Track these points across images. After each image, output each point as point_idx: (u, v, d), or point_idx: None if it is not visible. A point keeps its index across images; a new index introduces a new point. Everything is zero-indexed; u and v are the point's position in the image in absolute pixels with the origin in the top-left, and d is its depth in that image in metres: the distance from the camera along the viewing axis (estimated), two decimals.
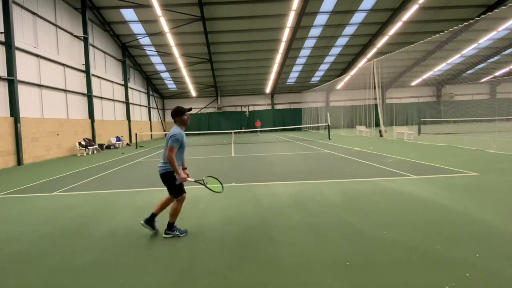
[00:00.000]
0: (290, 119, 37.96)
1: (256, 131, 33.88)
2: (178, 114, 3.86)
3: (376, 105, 21.13)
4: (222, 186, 4.09)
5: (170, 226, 3.86)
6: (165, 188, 3.85)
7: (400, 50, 18.57)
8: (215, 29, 23.73)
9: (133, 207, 5.41)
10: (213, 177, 4.11)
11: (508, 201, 4.84)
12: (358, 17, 23.69)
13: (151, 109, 33.37)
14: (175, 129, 3.75)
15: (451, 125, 27.81)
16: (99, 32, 21.77)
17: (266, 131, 34.71)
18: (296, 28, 23.08)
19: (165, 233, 3.86)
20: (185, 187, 3.91)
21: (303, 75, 34.92)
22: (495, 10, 12.32)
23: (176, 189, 3.79)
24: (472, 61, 33.23)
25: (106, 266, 3.18)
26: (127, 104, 25.92)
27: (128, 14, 21.39)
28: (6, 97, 12.67)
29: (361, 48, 28.84)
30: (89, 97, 19.15)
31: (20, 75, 13.39)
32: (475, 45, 28.89)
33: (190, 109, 3.96)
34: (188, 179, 3.79)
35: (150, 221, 3.93)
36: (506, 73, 35.51)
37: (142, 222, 3.96)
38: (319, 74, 35.05)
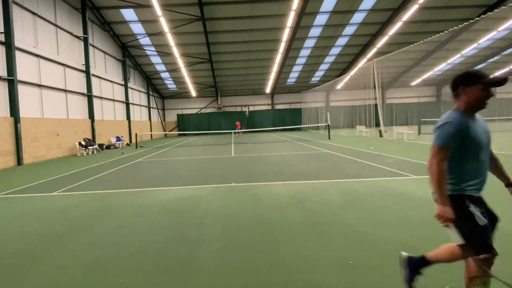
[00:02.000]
0: (290, 119, 37.98)
1: (236, 132, 33.45)
2: (465, 82, 1.95)
3: (376, 105, 21.13)
4: None
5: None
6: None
7: (400, 50, 18.59)
8: (215, 29, 23.72)
9: (133, 207, 5.41)
10: None
11: (508, 201, 4.83)
12: (358, 17, 23.69)
13: (151, 109, 33.37)
14: (450, 114, 1.96)
15: None
16: (99, 32, 21.76)
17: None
18: (296, 28, 23.07)
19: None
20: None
21: (303, 75, 34.91)
22: (495, 10, 12.34)
23: (466, 231, 1.90)
24: (472, 61, 33.24)
25: (106, 266, 3.18)
26: (127, 104, 25.91)
27: (128, 14, 21.39)
28: (6, 97, 12.66)
29: (361, 48, 28.83)
30: (89, 97, 19.15)
31: (20, 75, 13.38)
32: (475, 45, 28.90)
33: (502, 79, 1.84)
34: (451, 231, 1.89)
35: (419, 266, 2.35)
36: (506, 73, 35.51)
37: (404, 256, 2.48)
38: (319, 74, 35.05)
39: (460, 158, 1.93)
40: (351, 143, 16.14)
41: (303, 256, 3.20)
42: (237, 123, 34.99)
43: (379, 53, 26.89)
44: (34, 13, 14.66)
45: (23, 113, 13.37)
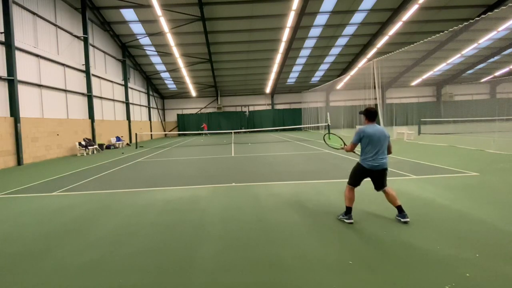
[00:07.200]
0: (290, 119, 37.96)
1: (202, 134, 33.03)
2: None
3: (376, 105, 21.10)
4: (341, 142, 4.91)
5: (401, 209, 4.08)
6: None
7: (400, 50, 18.55)
8: (215, 29, 23.72)
9: (133, 207, 5.41)
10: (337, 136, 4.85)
11: (508, 201, 4.84)
12: (358, 17, 23.68)
13: (151, 109, 33.37)
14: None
15: (451, 125, 27.80)
16: (99, 32, 21.76)
17: (211, 134, 33.02)
18: (296, 28, 23.07)
19: (402, 217, 4.02)
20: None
21: (303, 75, 34.91)
22: (495, 10, 12.31)
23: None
24: (472, 61, 33.22)
25: (106, 266, 3.18)
26: (127, 104, 25.91)
27: (128, 14, 21.39)
28: (6, 97, 12.67)
29: (361, 48, 28.83)
30: (89, 97, 19.15)
31: (20, 75, 13.38)
32: (475, 45, 28.87)
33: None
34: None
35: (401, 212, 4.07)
36: (506, 73, 35.49)
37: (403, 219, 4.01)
38: (319, 74, 35.05)
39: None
40: None
41: (303, 256, 3.20)
42: (204, 125, 35.04)
43: (379, 53, 26.85)
44: (34, 13, 14.66)
45: (23, 113, 13.37)
